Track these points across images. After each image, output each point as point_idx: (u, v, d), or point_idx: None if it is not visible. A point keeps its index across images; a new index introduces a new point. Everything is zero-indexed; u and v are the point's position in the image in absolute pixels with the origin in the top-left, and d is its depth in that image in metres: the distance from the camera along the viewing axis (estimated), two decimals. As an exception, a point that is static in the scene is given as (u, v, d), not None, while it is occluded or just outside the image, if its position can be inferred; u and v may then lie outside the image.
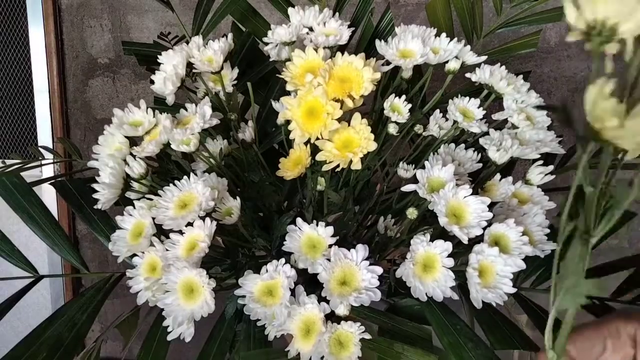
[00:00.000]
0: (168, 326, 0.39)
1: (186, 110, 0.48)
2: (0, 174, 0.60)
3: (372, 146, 0.42)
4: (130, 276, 0.42)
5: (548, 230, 0.42)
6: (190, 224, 0.39)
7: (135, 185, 0.46)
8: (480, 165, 0.45)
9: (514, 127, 0.48)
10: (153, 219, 0.41)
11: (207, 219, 0.38)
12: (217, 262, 0.50)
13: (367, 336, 0.38)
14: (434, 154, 0.46)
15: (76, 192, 0.59)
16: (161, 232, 0.42)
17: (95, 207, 0.48)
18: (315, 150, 0.44)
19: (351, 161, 0.41)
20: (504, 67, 0.49)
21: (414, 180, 0.43)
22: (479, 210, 0.39)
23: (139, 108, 0.47)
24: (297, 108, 0.42)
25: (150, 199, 0.44)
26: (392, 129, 0.48)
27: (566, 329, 0.31)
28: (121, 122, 0.44)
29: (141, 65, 0.72)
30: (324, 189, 0.48)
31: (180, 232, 0.39)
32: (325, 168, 0.42)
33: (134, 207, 0.44)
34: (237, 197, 0.41)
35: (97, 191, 0.46)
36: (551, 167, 0.46)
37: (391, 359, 0.40)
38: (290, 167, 0.47)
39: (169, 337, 0.39)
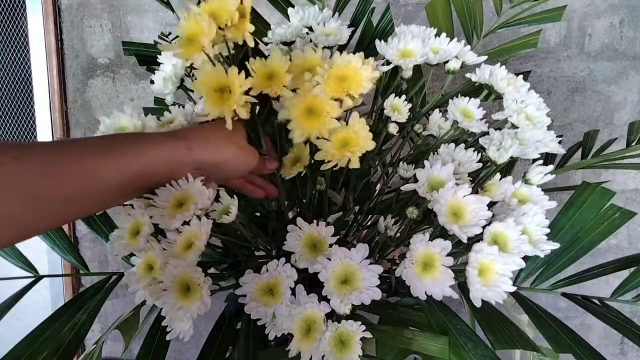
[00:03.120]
0: (167, 326, 0.39)
1: (170, 112, 0.48)
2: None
3: (371, 145, 0.42)
4: (128, 275, 0.42)
5: (548, 230, 0.42)
6: (186, 223, 0.39)
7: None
8: (480, 165, 0.45)
9: (513, 127, 0.48)
10: (150, 217, 0.41)
11: (204, 218, 0.38)
12: (216, 262, 0.50)
13: (368, 335, 0.38)
14: (433, 153, 0.46)
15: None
16: (159, 231, 0.42)
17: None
18: (314, 150, 0.44)
19: (350, 160, 0.41)
20: (503, 67, 0.49)
21: (414, 180, 0.43)
22: (478, 209, 0.39)
23: (129, 111, 0.46)
24: (296, 107, 0.42)
25: (149, 198, 0.44)
26: (393, 129, 0.48)
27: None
28: (107, 128, 0.44)
29: (141, 66, 0.72)
30: (324, 188, 0.48)
31: (177, 231, 0.39)
32: (323, 167, 0.42)
33: (133, 207, 0.44)
34: (235, 196, 0.40)
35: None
36: (551, 167, 0.46)
37: (402, 344, 0.40)
38: (289, 166, 0.47)
39: (168, 337, 0.39)
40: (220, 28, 0.39)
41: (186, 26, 0.39)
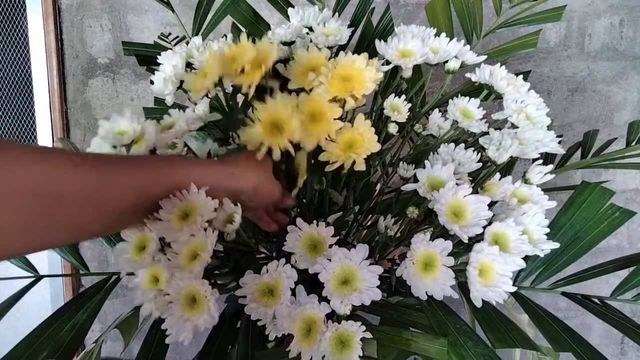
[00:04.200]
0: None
1: (170, 115, 0.48)
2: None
3: (376, 147, 0.42)
4: (132, 286, 0.41)
5: (547, 230, 0.42)
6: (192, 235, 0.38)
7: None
8: (480, 164, 0.46)
9: (513, 126, 0.48)
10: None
11: (209, 229, 0.38)
12: (217, 267, 0.50)
13: (369, 335, 0.38)
14: (433, 153, 0.46)
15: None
16: (162, 240, 0.41)
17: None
18: (318, 150, 0.44)
19: (354, 162, 0.42)
20: (503, 67, 0.49)
21: (414, 180, 0.44)
22: (478, 209, 0.39)
23: (127, 115, 0.46)
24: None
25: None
26: (393, 129, 0.48)
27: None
28: (107, 132, 0.44)
29: (141, 66, 0.72)
30: (325, 188, 0.48)
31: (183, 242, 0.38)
32: (328, 168, 0.42)
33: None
34: (238, 204, 0.40)
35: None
36: (551, 167, 0.46)
37: (401, 345, 0.40)
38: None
39: (167, 340, 0.38)
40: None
41: (206, 63, 0.44)
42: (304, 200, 0.53)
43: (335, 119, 0.41)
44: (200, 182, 0.37)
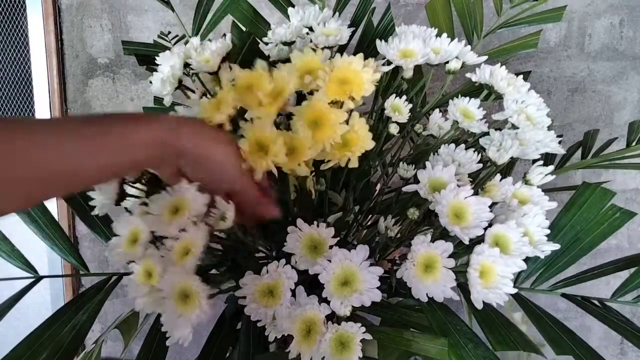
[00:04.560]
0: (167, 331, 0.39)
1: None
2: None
3: (370, 145, 0.42)
4: (128, 282, 0.42)
5: (548, 231, 0.42)
6: (183, 229, 0.38)
7: (131, 190, 0.46)
8: (481, 165, 0.45)
9: (514, 127, 0.48)
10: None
11: (200, 224, 0.38)
12: (215, 266, 0.50)
13: (368, 336, 0.38)
14: (434, 154, 0.46)
15: (76, 193, 0.59)
16: (158, 238, 0.42)
17: (92, 212, 0.47)
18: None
19: (349, 160, 0.42)
20: (504, 67, 0.49)
21: (414, 180, 0.43)
22: (480, 210, 0.39)
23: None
24: (302, 123, 0.42)
25: (147, 204, 0.43)
26: (393, 129, 0.48)
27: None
28: None
29: (141, 65, 0.72)
30: (324, 189, 0.48)
31: (175, 238, 0.39)
32: (323, 167, 0.42)
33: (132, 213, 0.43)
34: (230, 202, 0.40)
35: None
36: (551, 168, 0.46)
37: (402, 346, 0.40)
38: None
39: (168, 342, 0.38)
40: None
41: (220, 92, 0.44)
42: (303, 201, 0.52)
43: (341, 123, 0.41)
44: (138, 156, 0.35)
